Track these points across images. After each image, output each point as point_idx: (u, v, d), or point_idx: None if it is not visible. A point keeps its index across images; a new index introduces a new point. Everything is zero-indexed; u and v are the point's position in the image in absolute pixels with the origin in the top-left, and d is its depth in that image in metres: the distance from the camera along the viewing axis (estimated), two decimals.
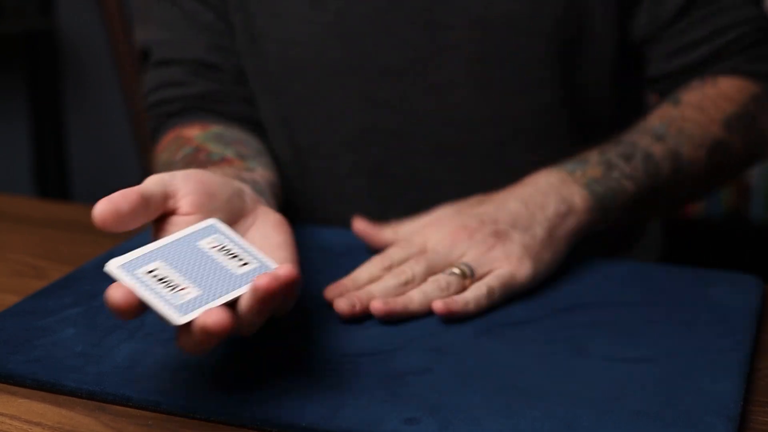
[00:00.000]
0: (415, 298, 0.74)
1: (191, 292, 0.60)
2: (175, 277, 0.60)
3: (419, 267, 0.76)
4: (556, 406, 0.61)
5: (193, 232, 0.64)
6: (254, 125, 0.99)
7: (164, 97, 0.99)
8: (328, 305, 0.75)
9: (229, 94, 0.98)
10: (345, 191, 0.98)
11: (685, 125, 0.90)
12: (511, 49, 0.93)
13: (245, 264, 0.63)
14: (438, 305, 0.72)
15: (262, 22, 0.96)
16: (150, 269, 0.60)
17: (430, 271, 0.76)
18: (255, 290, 0.58)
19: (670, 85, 0.97)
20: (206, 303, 0.59)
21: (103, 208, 0.60)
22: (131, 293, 0.58)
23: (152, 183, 0.63)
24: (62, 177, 2.44)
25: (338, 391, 0.63)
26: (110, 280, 0.82)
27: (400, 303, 0.73)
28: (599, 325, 0.72)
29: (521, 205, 0.80)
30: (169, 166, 0.90)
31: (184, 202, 0.64)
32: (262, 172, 0.82)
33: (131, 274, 0.59)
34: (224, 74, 0.98)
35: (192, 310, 0.59)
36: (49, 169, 2.42)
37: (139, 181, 0.63)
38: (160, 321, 0.60)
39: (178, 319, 0.58)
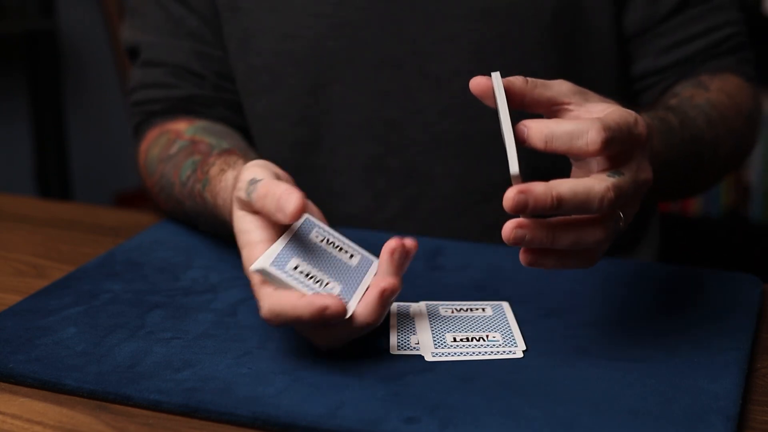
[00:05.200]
0: None
1: (335, 287, 0.65)
2: (315, 272, 0.65)
3: None
4: (556, 406, 0.61)
5: (300, 227, 0.67)
6: (235, 129, 1.00)
7: (148, 97, 1.00)
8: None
9: (211, 99, 1.00)
10: (339, 187, 0.98)
11: (724, 111, 0.91)
12: (510, 39, 0.93)
13: (352, 256, 0.68)
14: None
15: (257, 17, 0.96)
16: (294, 265, 0.64)
17: None
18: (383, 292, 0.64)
19: (660, 80, 0.98)
20: (351, 296, 0.65)
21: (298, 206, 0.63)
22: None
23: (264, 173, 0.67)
24: (63, 176, 2.44)
25: (338, 391, 0.63)
26: (110, 279, 0.82)
27: None
28: (599, 325, 0.72)
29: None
30: (167, 161, 0.91)
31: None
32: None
33: (284, 272, 0.64)
34: (205, 81, 0.99)
35: (347, 303, 0.64)
36: (50, 168, 2.42)
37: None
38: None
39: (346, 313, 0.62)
